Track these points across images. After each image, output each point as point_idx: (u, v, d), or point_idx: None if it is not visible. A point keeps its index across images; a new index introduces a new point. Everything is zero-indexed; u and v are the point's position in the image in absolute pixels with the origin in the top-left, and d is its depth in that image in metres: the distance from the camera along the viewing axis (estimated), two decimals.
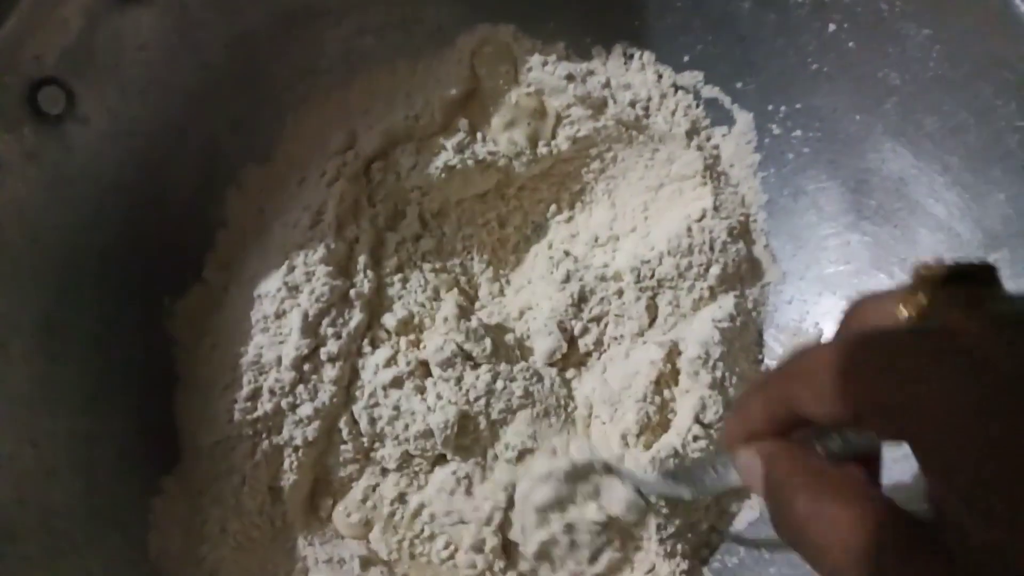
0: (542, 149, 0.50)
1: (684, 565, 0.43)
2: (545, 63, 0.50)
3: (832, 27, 0.45)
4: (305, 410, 0.42)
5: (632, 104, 0.49)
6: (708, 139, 0.50)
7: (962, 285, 0.24)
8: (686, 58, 0.50)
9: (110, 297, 0.43)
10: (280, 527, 0.43)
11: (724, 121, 0.51)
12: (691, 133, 0.49)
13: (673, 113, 0.50)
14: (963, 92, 0.41)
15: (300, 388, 0.43)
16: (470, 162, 0.48)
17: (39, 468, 0.38)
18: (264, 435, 0.42)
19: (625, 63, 0.51)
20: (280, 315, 0.44)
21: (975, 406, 0.20)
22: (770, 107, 0.49)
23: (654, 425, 0.44)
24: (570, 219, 0.51)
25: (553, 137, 0.50)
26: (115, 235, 0.43)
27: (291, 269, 0.44)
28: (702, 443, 0.43)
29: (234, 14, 0.46)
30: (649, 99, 0.50)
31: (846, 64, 0.45)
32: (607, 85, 0.50)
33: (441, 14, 0.50)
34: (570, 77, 0.49)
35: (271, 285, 0.44)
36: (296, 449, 0.42)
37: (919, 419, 0.21)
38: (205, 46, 0.45)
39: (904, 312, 0.24)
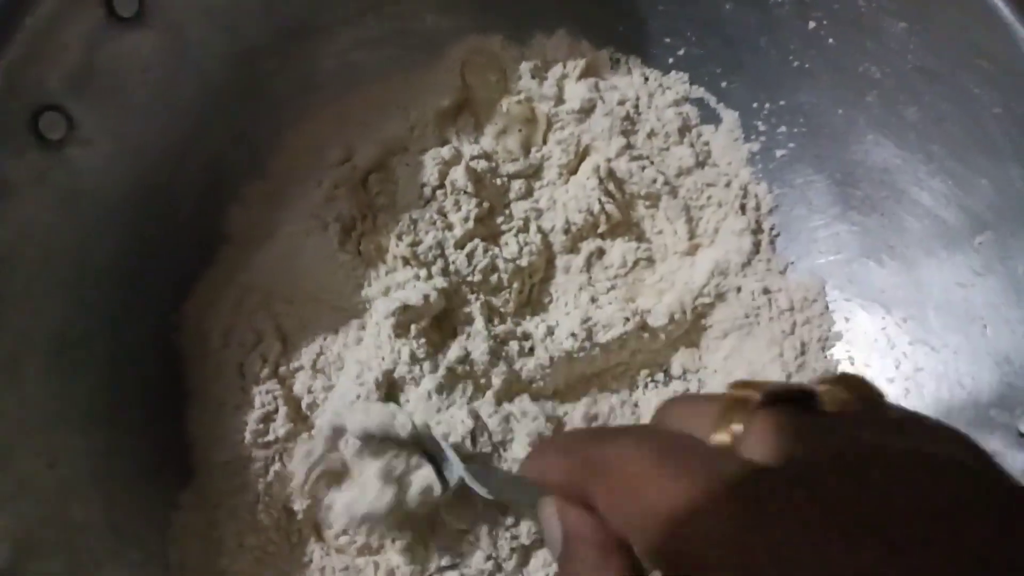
0: (535, 154, 0.51)
1: None
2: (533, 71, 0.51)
3: (812, 24, 0.46)
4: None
5: (621, 103, 0.51)
6: (699, 136, 0.51)
7: (782, 407, 0.22)
8: (671, 60, 0.52)
9: (120, 313, 0.43)
10: (296, 542, 0.43)
11: (711, 120, 0.52)
12: (683, 131, 0.51)
13: (662, 112, 0.51)
14: (943, 83, 0.43)
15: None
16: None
17: (58, 486, 0.38)
18: (277, 458, 0.43)
19: (612, 67, 0.52)
20: None
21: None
22: (755, 105, 0.51)
23: None
24: None
25: (544, 142, 0.51)
26: (122, 252, 0.44)
27: None
28: None
29: (232, 32, 0.46)
30: (638, 98, 0.51)
31: (827, 60, 0.47)
32: (595, 88, 0.51)
33: (432, 26, 0.51)
34: (559, 83, 0.51)
35: None
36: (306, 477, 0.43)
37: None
38: (204, 65, 0.46)
39: (718, 437, 0.22)
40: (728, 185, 0.51)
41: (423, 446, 0.40)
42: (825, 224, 0.49)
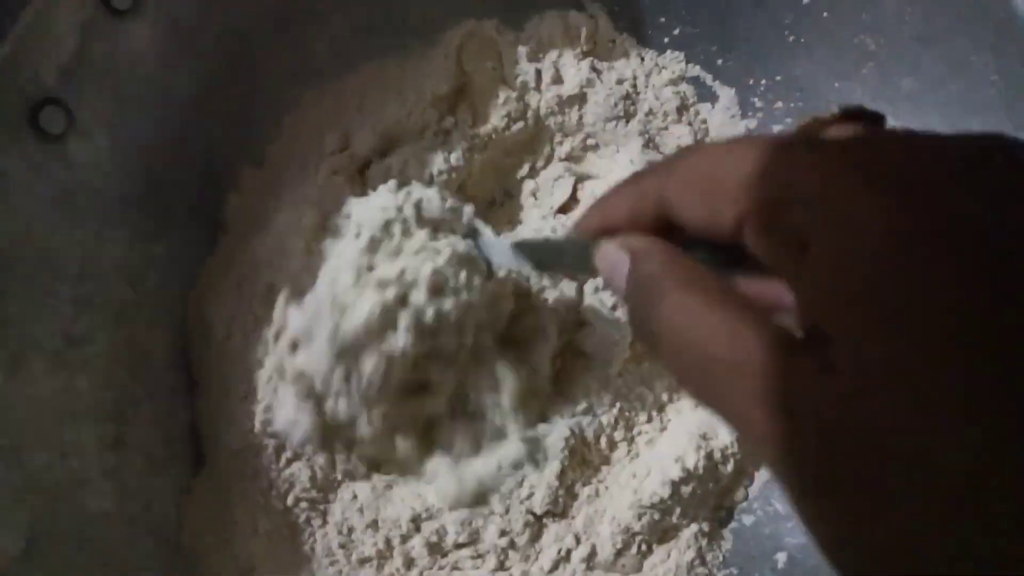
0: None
1: (705, 527, 0.45)
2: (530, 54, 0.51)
3: None
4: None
5: (619, 83, 0.51)
6: (697, 114, 0.51)
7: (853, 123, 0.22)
8: (666, 40, 0.52)
9: (124, 306, 0.43)
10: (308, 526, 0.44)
11: (707, 98, 0.52)
12: (680, 110, 0.51)
13: (660, 91, 0.51)
14: (938, 50, 0.43)
15: None
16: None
17: (71, 478, 0.39)
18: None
19: (608, 49, 0.52)
20: None
21: (888, 208, 0.17)
22: (751, 81, 0.51)
23: None
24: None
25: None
26: (123, 245, 0.44)
27: None
28: None
29: (224, 20, 0.46)
30: (635, 78, 0.51)
31: (822, 33, 0.47)
32: (592, 69, 0.51)
33: (426, 11, 0.51)
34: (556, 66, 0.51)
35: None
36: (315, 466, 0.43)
37: (815, 216, 0.18)
38: (197, 53, 0.45)
39: None
40: None
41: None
42: None
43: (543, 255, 0.32)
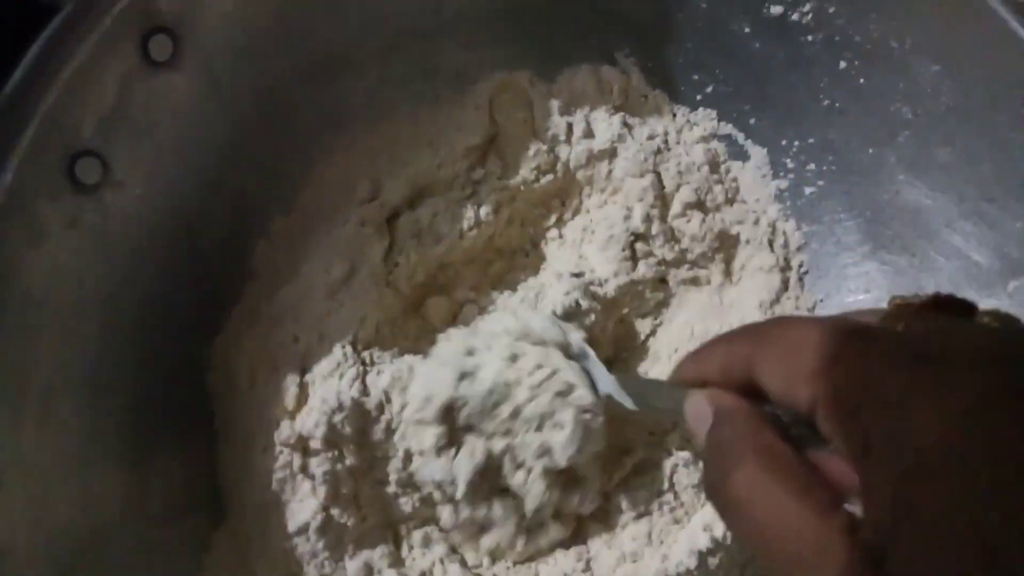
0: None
1: None
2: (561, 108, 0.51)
3: (843, 64, 0.46)
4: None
5: (650, 139, 0.51)
6: (727, 172, 0.51)
7: (939, 315, 0.22)
8: (699, 97, 0.52)
9: (150, 352, 0.43)
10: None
11: (739, 156, 0.52)
12: (713, 166, 0.50)
13: (691, 148, 0.51)
14: (976, 123, 0.42)
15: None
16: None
17: (93, 529, 0.38)
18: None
19: (640, 104, 0.52)
20: None
21: (961, 414, 0.18)
22: (783, 142, 0.50)
23: None
24: None
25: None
26: (152, 292, 0.44)
27: None
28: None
29: (258, 71, 0.46)
30: (666, 134, 0.51)
31: (858, 99, 0.47)
32: (624, 124, 0.51)
33: (459, 63, 0.51)
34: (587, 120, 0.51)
35: None
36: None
37: (878, 422, 0.19)
38: (233, 103, 0.46)
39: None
40: (756, 222, 0.51)
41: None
42: (855, 263, 0.49)
43: (642, 392, 0.37)
